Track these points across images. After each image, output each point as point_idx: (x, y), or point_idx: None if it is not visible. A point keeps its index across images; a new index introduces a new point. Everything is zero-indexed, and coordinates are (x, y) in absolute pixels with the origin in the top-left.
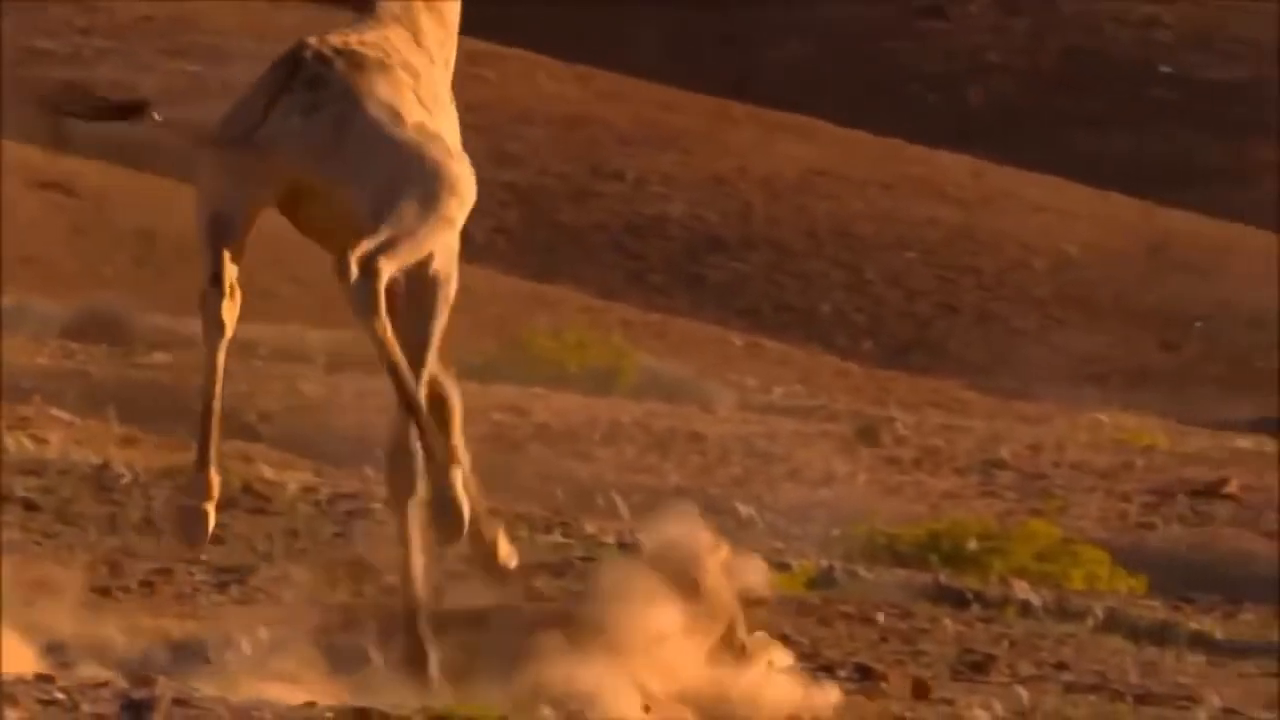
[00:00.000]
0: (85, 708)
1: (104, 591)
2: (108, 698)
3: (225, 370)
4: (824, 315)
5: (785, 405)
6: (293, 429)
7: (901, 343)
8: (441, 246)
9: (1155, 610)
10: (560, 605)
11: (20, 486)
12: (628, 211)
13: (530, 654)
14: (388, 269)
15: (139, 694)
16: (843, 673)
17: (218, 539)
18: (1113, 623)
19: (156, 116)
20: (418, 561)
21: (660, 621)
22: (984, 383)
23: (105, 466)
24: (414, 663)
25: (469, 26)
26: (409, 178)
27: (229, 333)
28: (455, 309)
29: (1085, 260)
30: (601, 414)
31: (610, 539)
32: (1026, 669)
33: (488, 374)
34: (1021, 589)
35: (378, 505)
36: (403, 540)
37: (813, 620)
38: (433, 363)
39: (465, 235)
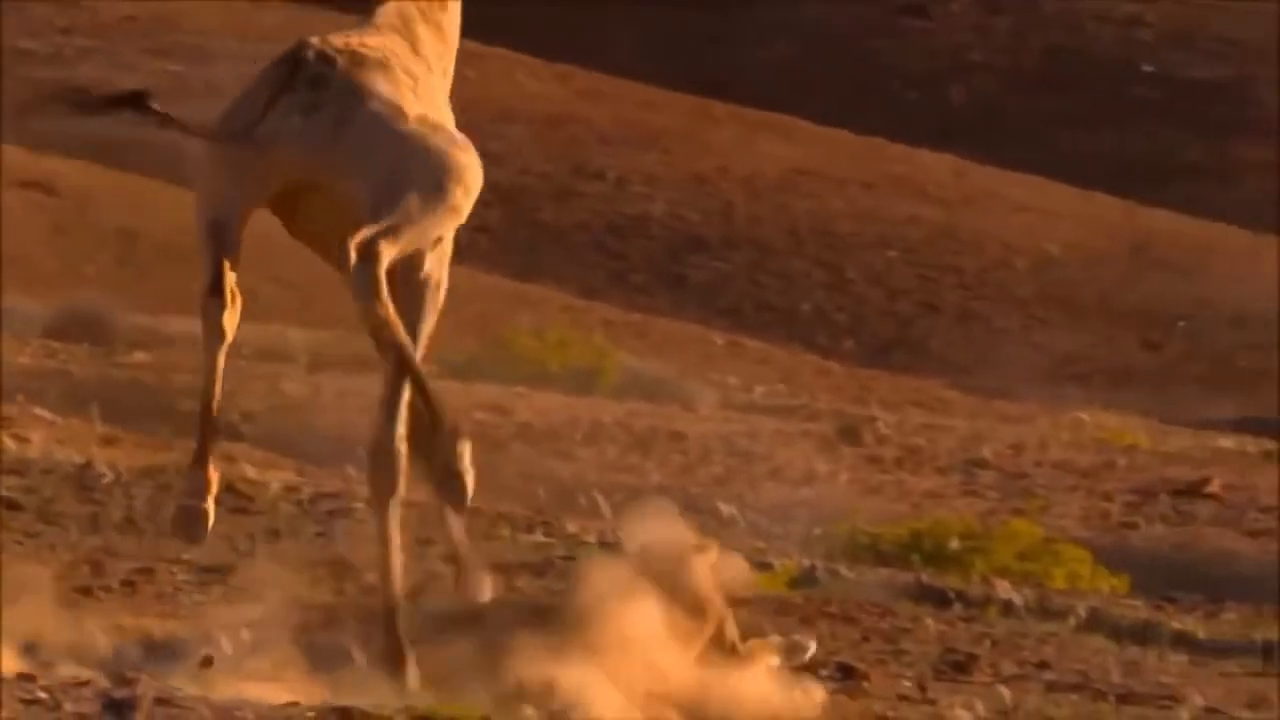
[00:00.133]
0: (67, 707)
1: (86, 591)
2: (89, 697)
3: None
4: (805, 314)
5: (767, 404)
6: (275, 428)
7: (883, 342)
8: (438, 255)
9: (1137, 610)
10: (547, 604)
11: (2, 486)
12: (609, 211)
13: (514, 653)
14: (388, 253)
15: (121, 693)
16: (825, 672)
17: None
18: (1095, 622)
19: (156, 106)
20: (397, 561)
21: (649, 622)
22: (966, 382)
23: (87, 466)
24: (392, 662)
25: None
26: (412, 168)
27: (229, 339)
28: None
29: (1067, 259)
30: (583, 413)
31: (592, 538)
32: (1009, 668)
33: (469, 373)
34: (1004, 588)
35: (359, 504)
36: (383, 539)
37: (794, 620)
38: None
39: None
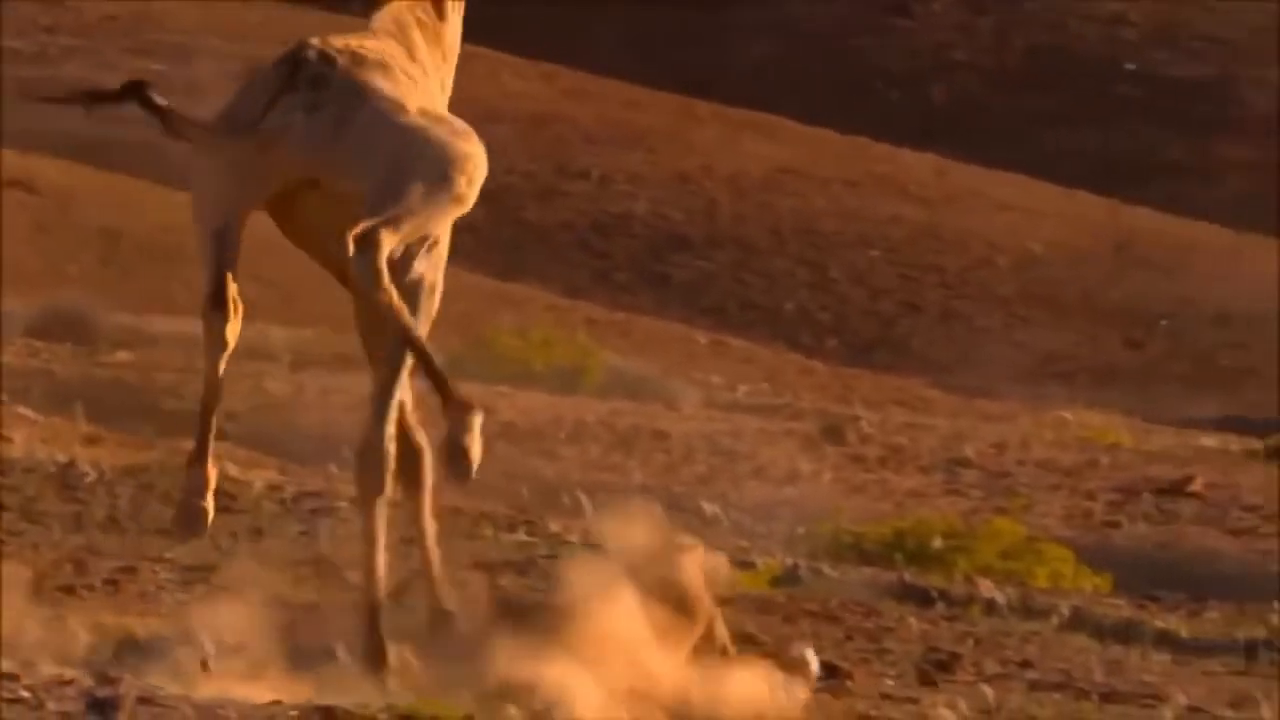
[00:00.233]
0: (50, 706)
1: (69, 589)
2: (72, 696)
3: (190, 369)
4: (789, 313)
5: (750, 403)
6: (258, 427)
7: (866, 341)
8: (433, 258)
9: (1120, 608)
10: (532, 603)
11: None
12: (593, 210)
13: (497, 652)
14: (388, 241)
15: (103, 692)
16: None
17: None
18: (1078, 621)
19: (160, 101)
20: (381, 560)
21: (633, 621)
22: (948, 381)
23: (70, 465)
24: (374, 661)
25: None
26: (414, 159)
27: (231, 348)
28: None
29: (1050, 258)
30: (566, 412)
31: (575, 537)
32: (991, 667)
33: (453, 372)
34: (986, 587)
35: (342, 503)
36: (368, 539)
37: (777, 619)
38: (408, 398)
39: None
